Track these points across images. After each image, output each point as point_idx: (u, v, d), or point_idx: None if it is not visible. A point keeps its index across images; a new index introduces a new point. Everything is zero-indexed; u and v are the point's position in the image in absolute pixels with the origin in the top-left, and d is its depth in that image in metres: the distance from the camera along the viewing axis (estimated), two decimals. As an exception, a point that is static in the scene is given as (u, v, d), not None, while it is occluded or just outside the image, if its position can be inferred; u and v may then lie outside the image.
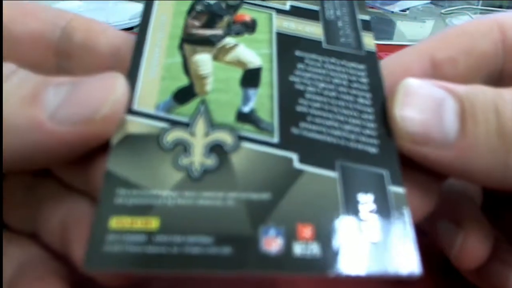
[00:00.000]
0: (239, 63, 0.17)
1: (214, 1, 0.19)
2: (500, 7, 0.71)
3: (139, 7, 0.52)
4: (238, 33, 0.18)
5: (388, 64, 0.17)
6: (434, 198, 0.15)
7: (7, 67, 0.14)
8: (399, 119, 0.14)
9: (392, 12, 0.46)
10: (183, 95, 0.16)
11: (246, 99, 0.16)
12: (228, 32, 0.18)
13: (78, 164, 0.15)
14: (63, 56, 0.17)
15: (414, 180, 0.15)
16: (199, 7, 0.18)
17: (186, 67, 0.16)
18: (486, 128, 0.14)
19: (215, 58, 0.17)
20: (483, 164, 0.14)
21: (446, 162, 0.14)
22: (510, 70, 0.17)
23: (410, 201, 0.14)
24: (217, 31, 0.18)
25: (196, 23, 0.18)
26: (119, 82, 0.14)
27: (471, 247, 0.17)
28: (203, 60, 0.17)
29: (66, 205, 0.16)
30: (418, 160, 0.15)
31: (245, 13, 0.18)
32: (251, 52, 0.17)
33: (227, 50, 0.17)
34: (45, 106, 0.13)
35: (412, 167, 0.15)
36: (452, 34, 0.18)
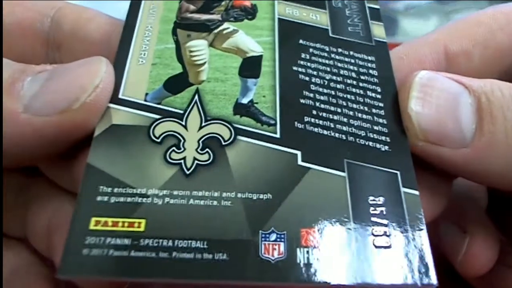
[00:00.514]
0: (238, 50, 0.16)
1: None
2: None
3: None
4: (237, 19, 0.17)
5: (399, 55, 0.17)
6: (444, 200, 0.15)
7: None
8: (413, 115, 0.14)
9: (396, 9, 0.45)
10: (176, 83, 0.15)
11: (245, 90, 0.15)
12: (226, 17, 0.17)
13: (63, 161, 0.14)
14: (53, 45, 0.17)
15: (423, 181, 0.14)
16: None
17: (179, 54, 0.16)
18: (504, 127, 0.13)
19: (212, 44, 0.16)
20: (500, 165, 0.13)
21: (461, 162, 0.13)
22: None
23: None
24: (214, 16, 0.17)
25: (191, 6, 0.17)
26: (102, 67, 0.13)
27: (477, 254, 0.17)
28: (198, 46, 0.16)
29: (53, 206, 0.15)
30: (431, 160, 0.14)
31: None
32: (251, 39, 0.16)
33: (225, 36, 0.16)
34: (20, 96, 0.12)
35: (421, 166, 0.14)
36: (468, 24, 0.17)
